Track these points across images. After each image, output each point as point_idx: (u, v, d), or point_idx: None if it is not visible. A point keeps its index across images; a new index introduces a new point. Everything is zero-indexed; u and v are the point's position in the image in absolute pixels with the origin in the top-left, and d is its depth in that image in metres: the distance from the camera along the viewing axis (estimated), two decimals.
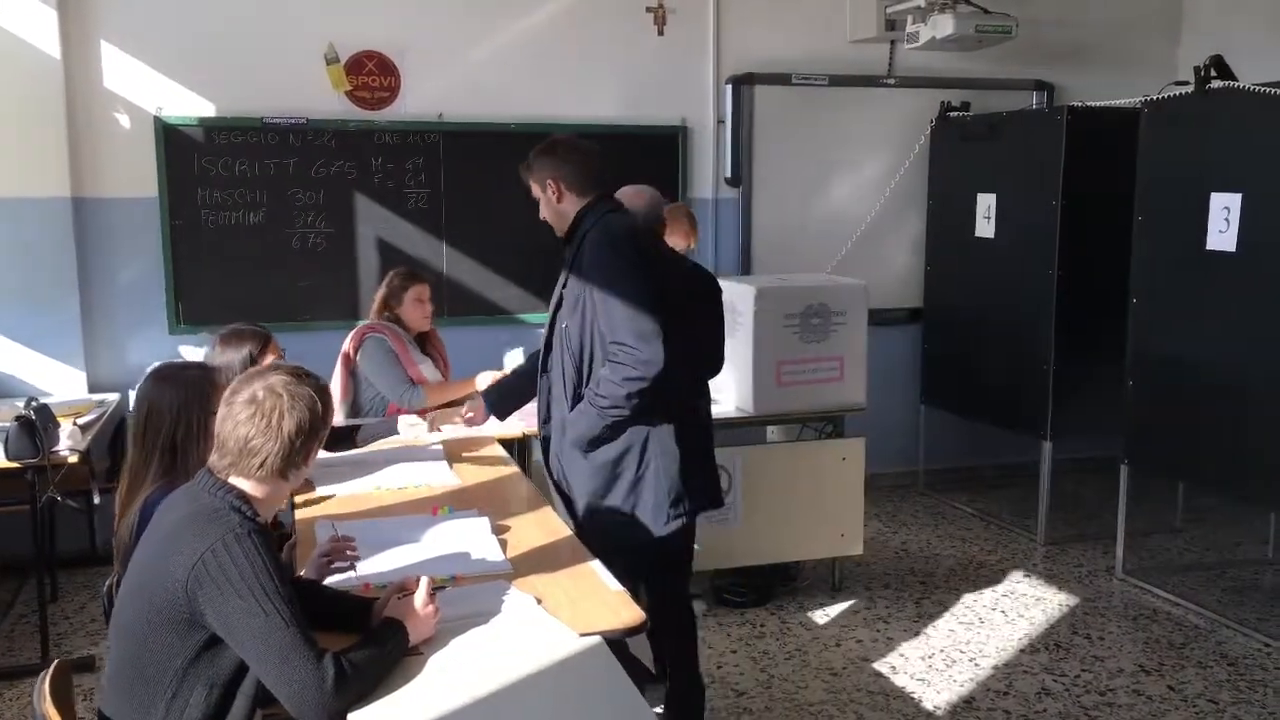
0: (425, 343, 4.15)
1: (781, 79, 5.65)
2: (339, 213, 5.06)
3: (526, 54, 5.26)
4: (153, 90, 4.79)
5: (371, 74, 5.05)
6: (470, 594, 2.31)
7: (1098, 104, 4.93)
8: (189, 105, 4.84)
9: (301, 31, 4.93)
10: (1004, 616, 4.26)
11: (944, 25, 5.24)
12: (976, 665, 3.83)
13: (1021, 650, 3.94)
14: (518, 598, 2.28)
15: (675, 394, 2.92)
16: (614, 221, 2.93)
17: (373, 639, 1.95)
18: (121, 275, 4.85)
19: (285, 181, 4.97)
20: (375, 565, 2.50)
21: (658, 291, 2.82)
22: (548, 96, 5.30)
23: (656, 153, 5.52)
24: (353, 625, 2.10)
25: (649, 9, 5.43)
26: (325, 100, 5.00)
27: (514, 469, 3.43)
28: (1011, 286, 5.27)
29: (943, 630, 4.12)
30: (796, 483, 4.34)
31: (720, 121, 5.62)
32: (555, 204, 2.98)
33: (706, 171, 5.66)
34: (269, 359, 3.24)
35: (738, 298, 4.28)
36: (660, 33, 5.47)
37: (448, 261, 5.24)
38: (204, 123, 4.85)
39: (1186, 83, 4.20)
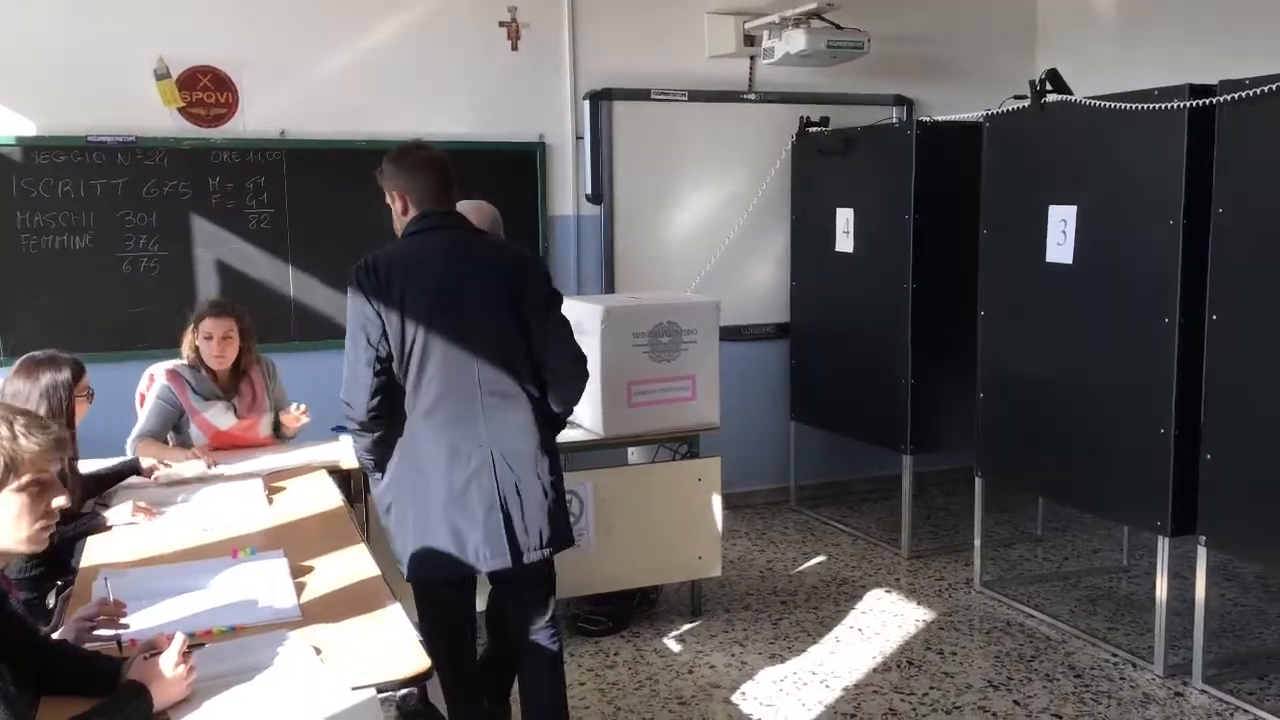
0: (239, 378, 3.91)
1: (640, 94, 5.58)
2: (173, 235, 4.82)
3: (375, 69, 5.09)
4: None
5: (206, 89, 4.82)
6: (244, 646, 2.14)
7: (944, 118, 4.96)
8: (6, 123, 4.55)
9: (129, 45, 4.68)
10: (860, 634, 4.22)
11: (796, 41, 5.24)
12: (827, 686, 3.77)
13: (874, 669, 3.90)
14: (294, 649, 2.12)
15: None
16: (383, 248, 2.83)
17: (106, 707, 1.77)
18: None
19: (114, 203, 4.71)
20: (151, 618, 2.31)
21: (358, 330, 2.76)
22: (399, 113, 5.13)
23: (515, 170, 5.39)
24: (105, 689, 1.91)
25: (502, 23, 5.32)
26: (156, 117, 4.75)
27: (337, 503, 3.25)
28: (870, 301, 5.27)
29: (798, 651, 4.06)
30: (650, 506, 4.24)
31: (579, 138, 5.52)
32: (400, 216, 2.88)
33: (566, 189, 5.55)
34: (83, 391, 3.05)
35: (585, 317, 4.16)
36: (515, 48, 5.35)
37: (294, 284, 5.03)
38: (22, 141, 4.57)
39: (1025, 96, 4.24)
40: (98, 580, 2.50)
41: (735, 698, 3.68)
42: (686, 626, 4.29)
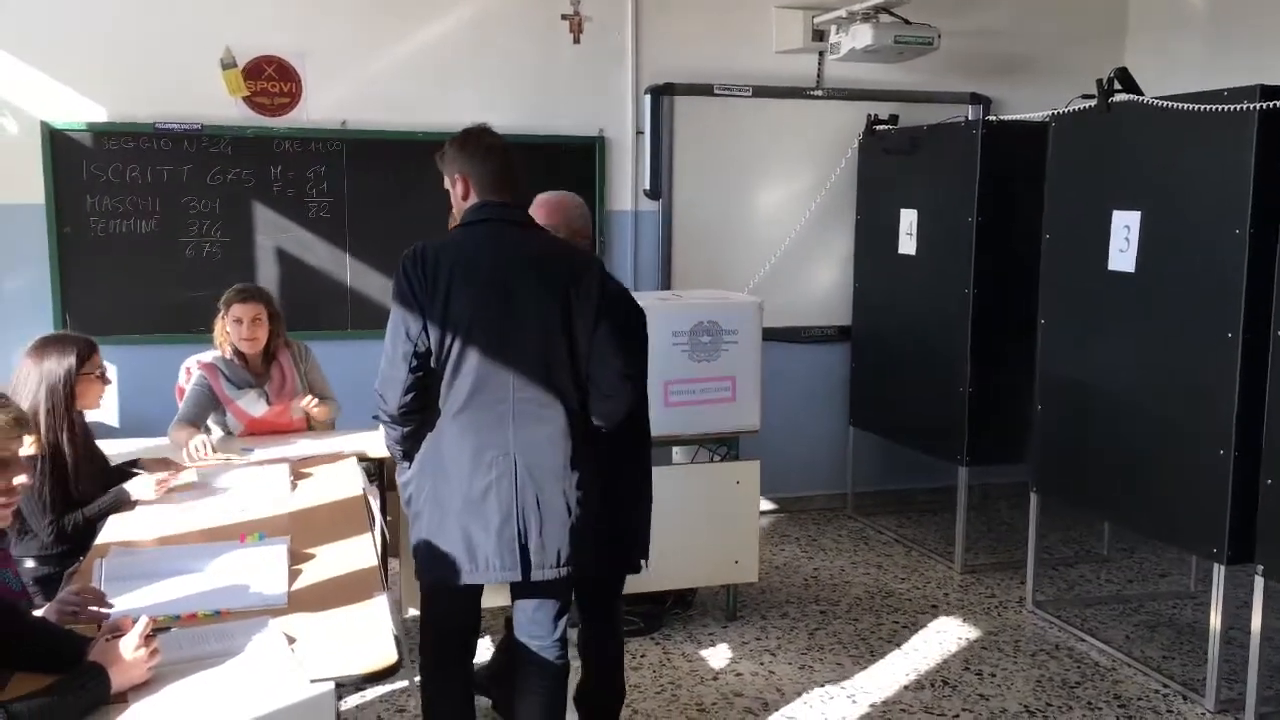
0: (270, 363, 3.96)
1: (703, 90, 5.50)
2: (236, 222, 4.93)
3: (435, 61, 5.13)
4: (39, 94, 4.66)
5: (271, 79, 4.92)
6: (222, 632, 2.16)
7: (1011, 118, 4.76)
8: (78, 110, 4.71)
9: (196, 35, 4.80)
10: (899, 650, 4.08)
11: (863, 36, 5.10)
12: (854, 702, 3.65)
13: (905, 687, 3.77)
14: (268, 637, 2.12)
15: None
16: (436, 239, 2.69)
17: (59, 686, 1.80)
18: (5, 284, 4.72)
19: (179, 189, 4.84)
20: (145, 598, 2.35)
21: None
22: (458, 105, 5.15)
23: (574, 164, 5.36)
24: (70, 668, 1.93)
25: (564, 16, 5.29)
26: (221, 106, 4.86)
27: (357, 492, 3.27)
28: (931, 305, 5.11)
29: (830, 664, 3.95)
30: (686, 507, 4.16)
31: (639, 133, 5.47)
32: (459, 201, 2.71)
33: (625, 184, 5.51)
34: (93, 372, 3.10)
35: None
36: (576, 41, 5.33)
37: (351, 273, 5.10)
38: (93, 128, 4.72)
39: (1093, 96, 4.04)
40: (106, 559, 2.56)
41: (756, 708, 3.60)
42: (719, 632, 4.21)
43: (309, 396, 3.94)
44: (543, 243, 2.74)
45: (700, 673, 3.85)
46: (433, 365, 2.59)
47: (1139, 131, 3.82)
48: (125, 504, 3.04)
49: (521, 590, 2.77)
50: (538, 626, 2.82)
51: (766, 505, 5.80)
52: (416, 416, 2.63)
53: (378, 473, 3.92)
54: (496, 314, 2.59)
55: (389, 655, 2.08)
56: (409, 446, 2.70)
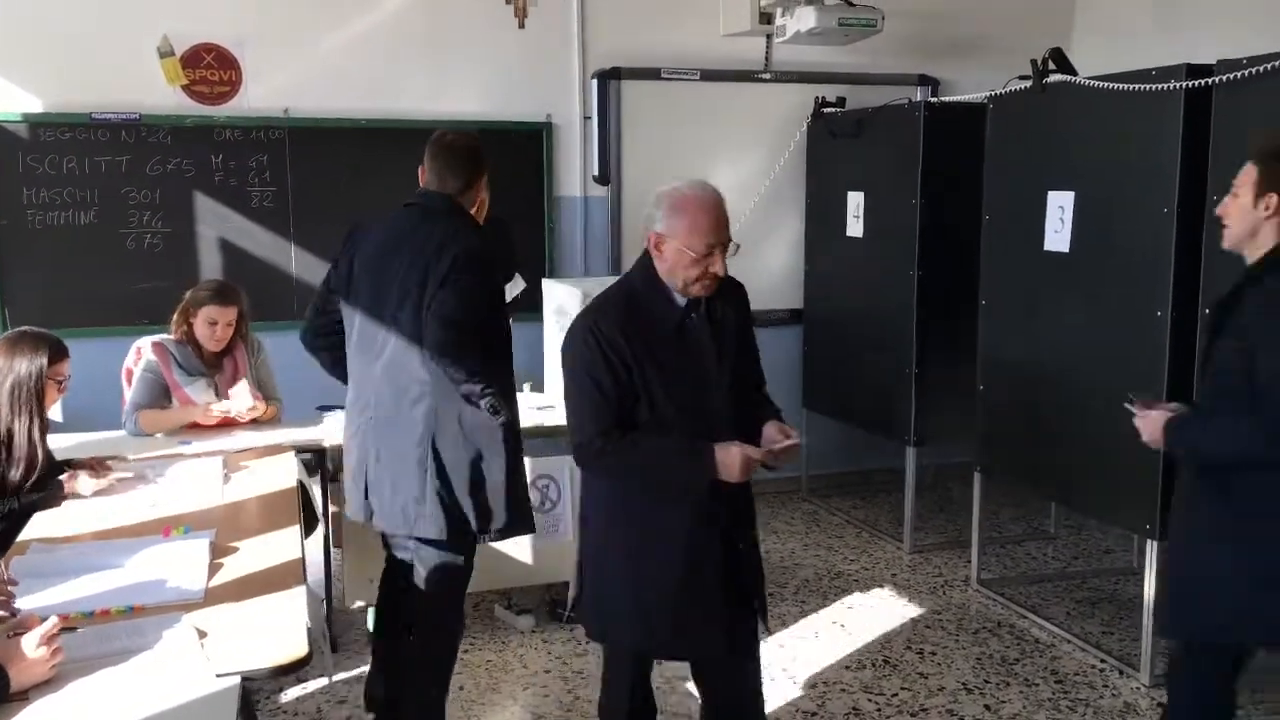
0: (223, 354, 3.93)
1: (650, 74, 5.48)
2: (177, 212, 4.87)
3: (378, 47, 5.08)
4: None
5: (210, 67, 4.86)
6: (133, 628, 2.14)
7: (952, 99, 4.78)
8: (12, 100, 4.64)
9: (133, 23, 4.73)
10: (843, 630, 4.11)
11: (807, 18, 5.09)
12: (794, 682, 3.68)
13: (846, 667, 3.80)
14: (178, 632, 2.11)
15: None
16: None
17: None
18: None
19: (117, 180, 4.78)
20: (59, 595, 2.33)
21: None
22: (403, 92, 5.12)
23: (521, 150, 5.34)
24: None
25: (509, 1, 5.26)
26: (160, 95, 4.80)
27: (291, 484, 3.26)
28: (878, 287, 5.13)
29: (774, 645, 3.97)
30: None
31: (587, 117, 5.45)
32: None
33: (574, 169, 5.49)
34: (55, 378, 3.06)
35: (565, 299, 4.11)
36: (521, 25, 5.30)
37: (297, 263, 5.06)
38: (28, 118, 4.65)
39: (1029, 77, 4.05)
40: (22, 557, 2.54)
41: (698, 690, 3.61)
42: None
43: (250, 398, 3.91)
44: (433, 222, 2.94)
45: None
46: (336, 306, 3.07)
47: (1073, 112, 3.84)
48: (59, 498, 3.02)
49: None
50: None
51: None
52: (323, 353, 3.18)
53: (318, 464, 3.91)
54: (370, 282, 2.96)
55: (300, 648, 2.07)
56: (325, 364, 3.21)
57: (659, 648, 2.55)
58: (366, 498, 2.99)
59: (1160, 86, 3.41)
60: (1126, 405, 2.65)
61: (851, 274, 5.35)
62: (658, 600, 2.40)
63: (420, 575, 3.00)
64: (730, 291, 2.47)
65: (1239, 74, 3.17)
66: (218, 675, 1.95)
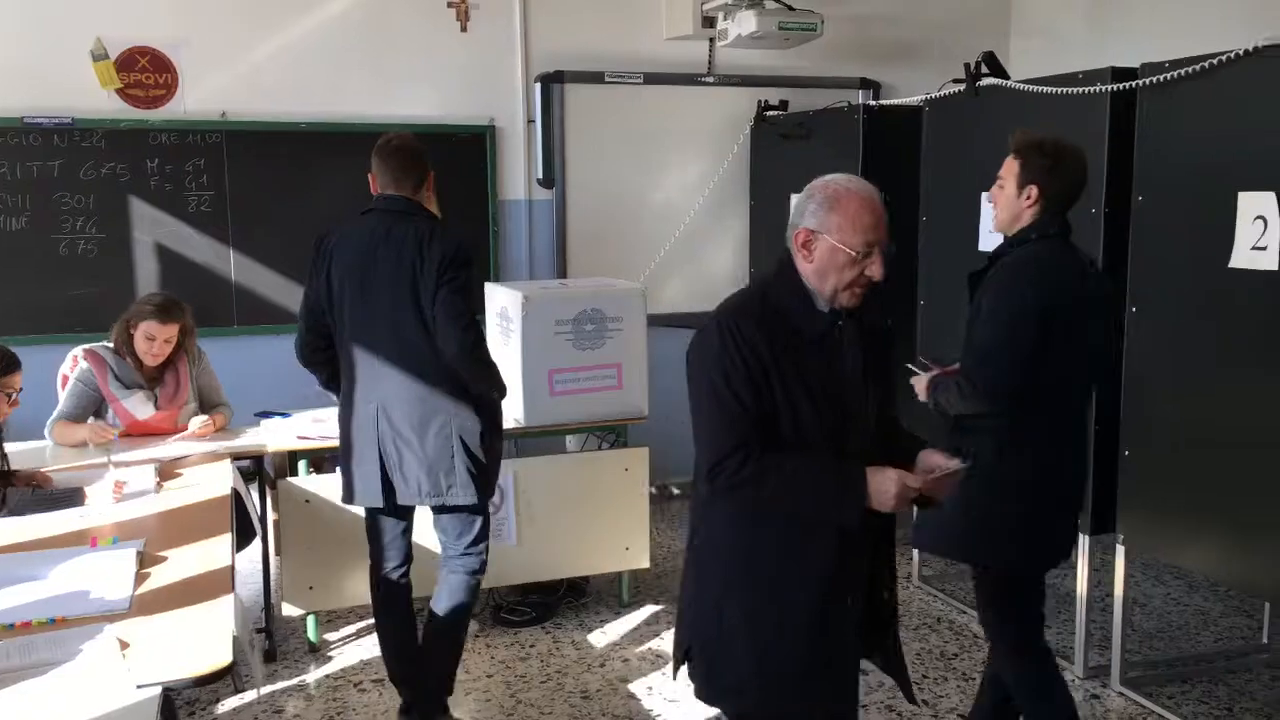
0: (164, 368, 3.87)
1: (594, 77, 5.49)
2: (111, 218, 4.81)
3: (318, 50, 5.05)
4: None
5: (145, 70, 4.80)
6: (55, 640, 2.11)
7: (890, 102, 4.84)
8: None
9: (65, 26, 4.66)
10: None
11: (747, 22, 5.13)
12: None
13: None
14: (100, 644, 2.08)
15: None
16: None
17: None
18: None
19: (50, 184, 4.71)
20: None
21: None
22: (344, 95, 5.09)
23: (465, 153, 5.33)
24: None
25: (450, 3, 5.25)
26: (93, 98, 4.74)
27: (225, 492, 3.22)
28: None
29: None
30: (575, 496, 4.18)
31: (530, 121, 5.45)
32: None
33: (518, 173, 5.49)
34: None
35: (507, 303, 4.11)
36: (464, 29, 5.29)
37: (236, 268, 5.01)
38: None
39: (963, 80, 4.11)
40: None
41: (640, 692, 3.63)
42: (611, 619, 4.23)
43: (203, 418, 3.85)
44: (404, 223, 3.08)
45: (588, 660, 3.87)
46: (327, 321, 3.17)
47: (1005, 114, 3.89)
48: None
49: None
50: (441, 540, 3.30)
51: (668, 491, 5.84)
52: (322, 366, 3.28)
53: (256, 471, 3.87)
54: (359, 284, 3.07)
55: (223, 658, 2.05)
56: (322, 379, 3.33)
57: (784, 717, 2.19)
58: (385, 480, 3.10)
59: (1087, 89, 3.47)
60: (909, 365, 2.90)
61: None
62: (787, 665, 2.09)
63: (454, 533, 3.25)
64: (871, 305, 2.14)
65: (1161, 77, 3.24)
66: (138, 686, 1.92)
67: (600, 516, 4.22)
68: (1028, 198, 2.70)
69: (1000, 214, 2.78)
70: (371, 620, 4.02)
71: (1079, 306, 2.65)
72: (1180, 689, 3.60)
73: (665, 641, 4.02)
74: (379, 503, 3.14)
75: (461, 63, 5.30)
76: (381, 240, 3.05)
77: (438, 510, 3.21)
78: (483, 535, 3.28)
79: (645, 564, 4.35)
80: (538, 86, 5.42)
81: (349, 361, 3.13)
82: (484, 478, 3.16)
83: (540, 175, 5.50)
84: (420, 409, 3.07)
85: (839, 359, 2.07)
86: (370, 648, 3.93)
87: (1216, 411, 3.16)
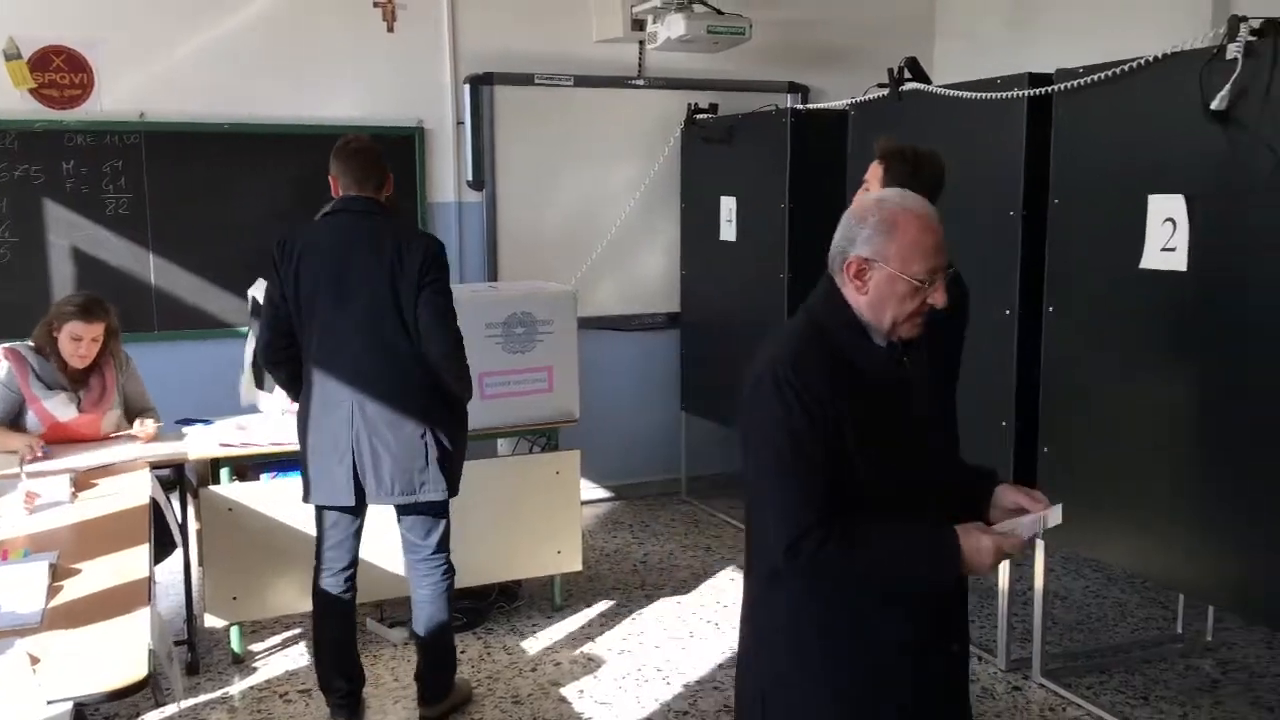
0: (89, 370, 3.78)
1: (524, 79, 5.47)
2: (25, 221, 4.67)
3: (241, 50, 4.95)
4: None
5: (60, 70, 4.67)
6: None
7: (817, 106, 4.90)
8: None
9: None
10: (716, 629, 4.17)
11: (677, 26, 5.15)
12: (668, 683, 3.71)
13: (720, 665, 3.85)
14: (10, 659, 2.03)
15: None
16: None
17: None
18: None
19: None
20: None
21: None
22: (268, 95, 5.00)
23: (392, 155, 5.07)
24: None
25: (376, 4, 5.19)
26: (6, 99, 4.60)
27: (143, 502, 3.15)
28: (751, 290, 5.21)
29: (649, 647, 4.00)
30: (507, 500, 4.15)
31: (459, 123, 5.41)
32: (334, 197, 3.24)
33: (447, 175, 5.44)
34: None
35: None
36: (390, 29, 5.23)
37: (156, 272, 4.89)
38: None
39: (887, 85, 4.17)
40: None
41: (572, 695, 3.62)
42: (543, 622, 4.22)
43: (151, 422, 3.77)
44: (375, 225, 3.14)
45: (519, 664, 3.86)
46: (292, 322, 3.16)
47: (927, 118, 3.97)
48: None
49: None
50: (409, 542, 3.35)
51: (601, 493, 5.84)
52: (284, 365, 3.24)
53: (177, 480, 3.79)
54: (334, 285, 3.09)
55: (139, 671, 2.01)
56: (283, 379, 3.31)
57: None
58: (357, 480, 3.13)
59: (1004, 94, 3.55)
60: None
61: (725, 278, 5.43)
62: None
63: (421, 533, 3.31)
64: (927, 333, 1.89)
65: (1075, 82, 3.32)
66: (49, 702, 1.87)
67: (532, 520, 4.21)
68: None
69: None
70: (298, 630, 4.02)
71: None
72: (1099, 679, 3.69)
73: (597, 644, 4.02)
74: (349, 501, 3.16)
75: (388, 63, 5.24)
76: (357, 242, 3.09)
77: (406, 510, 3.25)
78: (448, 536, 3.33)
79: (578, 567, 4.34)
80: (467, 88, 5.38)
81: (319, 362, 3.13)
82: (454, 473, 3.23)
83: (470, 177, 5.46)
84: (398, 408, 3.10)
85: (907, 401, 1.84)
86: (296, 658, 3.87)
87: (1130, 409, 3.26)
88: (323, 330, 3.12)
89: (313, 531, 3.54)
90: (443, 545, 3.34)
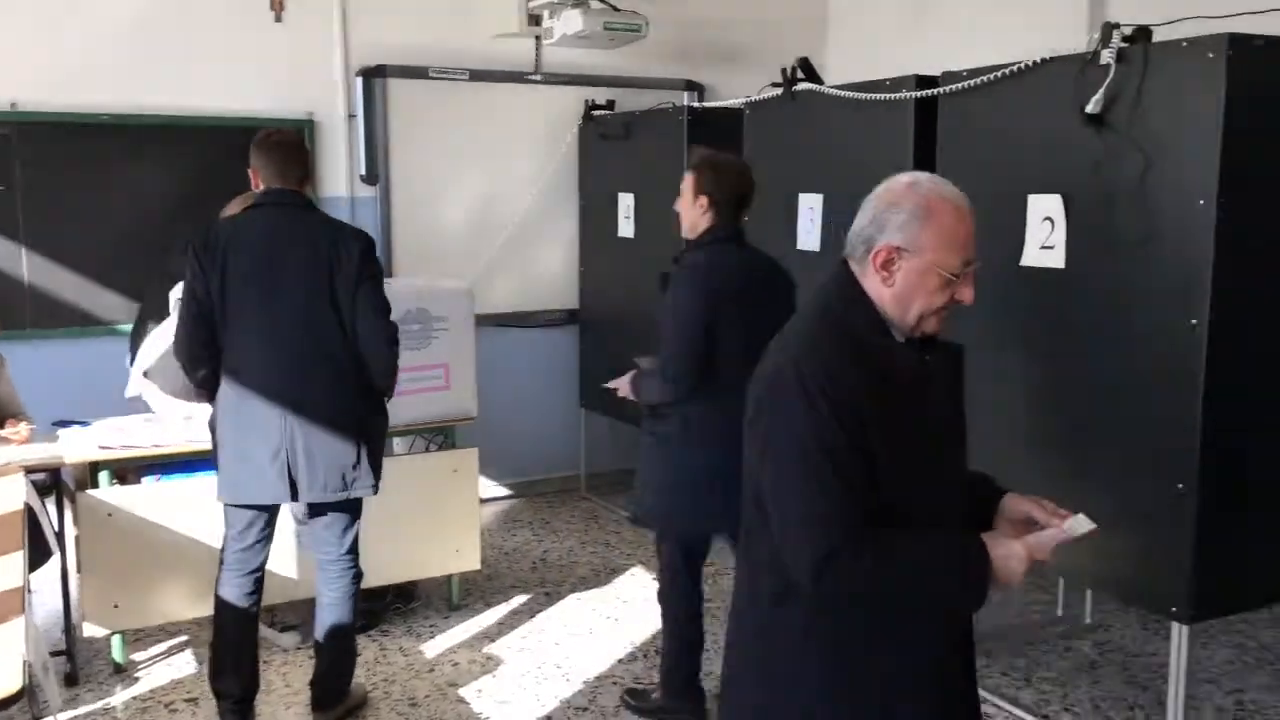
0: None
1: (418, 72, 5.39)
2: None
3: (120, 37, 4.76)
4: None
5: None
6: None
7: (713, 104, 4.95)
8: None
9: None
10: (615, 625, 4.18)
11: (573, 21, 5.14)
12: (567, 680, 3.71)
13: (619, 660, 3.86)
14: None
15: None
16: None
17: None
18: None
19: None
20: None
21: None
22: (148, 85, 4.82)
23: None
24: None
25: None
26: None
27: (17, 507, 3.00)
28: (650, 287, 5.21)
29: (548, 644, 3.99)
30: (404, 499, 4.08)
31: (352, 116, 5.31)
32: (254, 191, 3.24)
33: (339, 169, 5.33)
34: None
35: None
36: (278, 18, 5.09)
37: (29, 267, 4.68)
38: None
39: (781, 84, 4.23)
40: None
41: (470, 696, 3.59)
42: (441, 623, 4.17)
43: (25, 425, 3.60)
44: (305, 218, 3.13)
45: (416, 666, 3.80)
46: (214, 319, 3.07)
47: (819, 118, 4.04)
48: None
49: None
50: (322, 543, 3.29)
51: (500, 491, 5.81)
52: (207, 363, 3.12)
53: (53, 485, 3.64)
54: (265, 280, 3.03)
55: (13, 684, 1.92)
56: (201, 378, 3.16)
57: None
58: (290, 478, 3.07)
59: (893, 95, 3.64)
60: (636, 361, 3.32)
61: (624, 274, 5.44)
62: None
63: (338, 531, 3.28)
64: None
65: (960, 85, 3.42)
66: None
67: (429, 519, 4.16)
68: (701, 206, 3.14)
69: (684, 221, 3.21)
70: (183, 638, 3.90)
71: (741, 301, 3.03)
72: (984, 663, 3.81)
73: (496, 643, 3.99)
74: (281, 499, 3.12)
75: (276, 54, 5.10)
76: (288, 237, 3.06)
77: (330, 509, 3.22)
78: (358, 537, 3.32)
79: (476, 565, 4.31)
80: (359, 80, 5.28)
81: (248, 358, 3.07)
82: (379, 469, 3.23)
83: (364, 172, 5.37)
84: (333, 403, 3.09)
85: (926, 401, 1.72)
86: (182, 666, 3.76)
87: (1012, 402, 3.37)
88: (251, 327, 3.06)
89: (198, 535, 3.44)
90: (355, 547, 3.31)
